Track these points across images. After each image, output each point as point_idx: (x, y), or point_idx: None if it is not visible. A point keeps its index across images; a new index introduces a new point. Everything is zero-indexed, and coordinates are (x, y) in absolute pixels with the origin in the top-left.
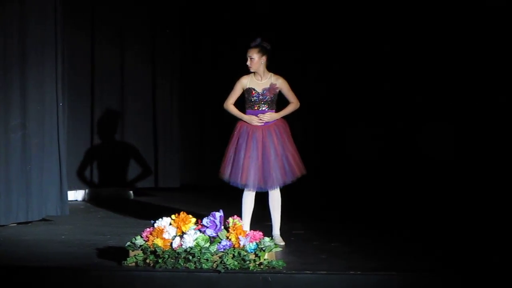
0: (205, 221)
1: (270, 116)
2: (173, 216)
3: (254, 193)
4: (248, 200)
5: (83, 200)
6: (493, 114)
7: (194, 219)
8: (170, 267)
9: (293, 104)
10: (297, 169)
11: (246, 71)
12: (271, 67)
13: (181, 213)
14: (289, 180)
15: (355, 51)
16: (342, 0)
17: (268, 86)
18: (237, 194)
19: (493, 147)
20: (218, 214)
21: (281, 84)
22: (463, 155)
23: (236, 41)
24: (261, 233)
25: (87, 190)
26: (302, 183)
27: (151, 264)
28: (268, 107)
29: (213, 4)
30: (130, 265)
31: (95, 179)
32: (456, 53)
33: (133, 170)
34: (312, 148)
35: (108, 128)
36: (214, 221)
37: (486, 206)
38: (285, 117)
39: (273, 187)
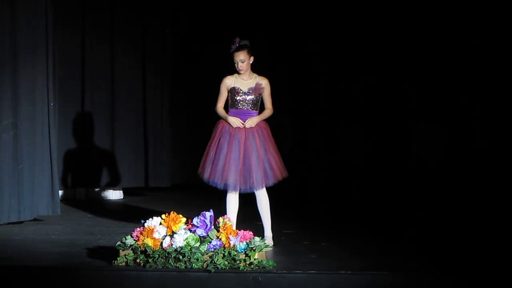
0: (195, 220)
1: (251, 122)
2: (163, 216)
3: (237, 194)
4: (232, 201)
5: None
6: (485, 114)
7: (184, 219)
8: (160, 267)
9: (269, 110)
10: (278, 172)
11: (235, 71)
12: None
13: (172, 212)
14: (270, 182)
15: (348, 51)
16: (335, 0)
17: (253, 85)
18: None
19: (485, 148)
20: (209, 214)
21: (266, 86)
22: (454, 156)
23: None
24: (251, 232)
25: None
26: (294, 183)
27: (141, 264)
28: (252, 107)
29: (203, 4)
30: (120, 264)
31: (85, 178)
32: (447, 53)
33: (124, 170)
34: (303, 148)
35: (99, 127)
36: (204, 221)
37: (478, 206)
38: (266, 120)
39: (253, 189)
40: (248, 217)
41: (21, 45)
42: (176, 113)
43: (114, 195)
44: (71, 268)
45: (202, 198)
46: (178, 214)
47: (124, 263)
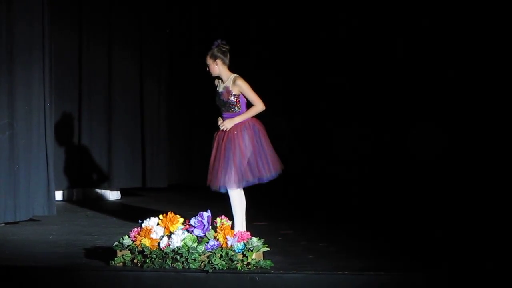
0: (192, 221)
1: (225, 124)
2: (160, 216)
3: (240, 190)
4: (236, 197)
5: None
6: (482, 114)
7: (181, 219)
8: (158, 267)
9: (254, 107)
10: (250, 174)
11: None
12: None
13: (169, 213)
14: (232, 185)
15: (347, 51)
16: (333, 1)
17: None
18: (225, 194)
19: (482, 147)
20: (206, 214)
21: (239, 85)
22: (451, 155)
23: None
24: (248, 233)
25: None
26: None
27: (139, 264)
28: (228, 109)
29: (201, 4)
30: (117, 265)
31: (82, 178)
32: (445, 54)
33: (119, 170)
34: (300, 148)
35: (96, 128)
36: (201, 221)
37: (474, 205)
38: (259, 119)
39: (218, 189)
40: (246, 217)
41: (17, 45)
42: (173, 114)
43: (112, 195)
44: (68, 268)
45: (200, 198)
46: (175, 214)
47: (121, 264)
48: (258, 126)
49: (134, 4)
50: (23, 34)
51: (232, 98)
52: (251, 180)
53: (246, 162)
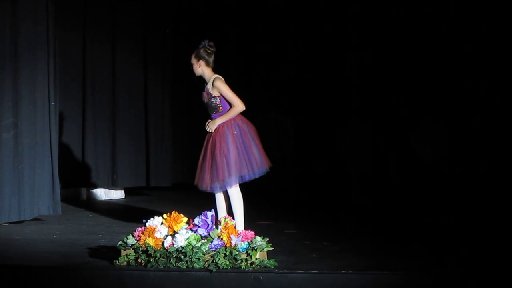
0: (196, 220)
1: (209, 126)
2: (164, 216)
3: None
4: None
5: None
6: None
7: (185, 219)
8: (162, 267)
9: (234, 108)
10: (236, 171)
11: (231, 71)
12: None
13: (173, 212)
14: (214, 185)
15: (350, 50)
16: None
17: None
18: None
19: (485, 147)
20: (210, 214)
21: (217, 86)
22: (455, 155)
23: (227, 41)
24: (252, 232)
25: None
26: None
27: (143, 264)
28: (211, 110)
29: (205, 4)
30: (121, 264)
31: (86, 178)
32: (448, 53)
33: (123, 169)
34: (304, 146)
35: (100, 127)
36: (205, 221)
37: (478, 205)
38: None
39: (204, 189)
40: (250, 217)
41: (22, 44)
42: (177, 113)
43: (116, 194)
44: (72, 267)
45: (203, 198)
46: (179, 213)
47: (125, 263)
48: (241, 125)
49: (138, 4)
50: (27, 34)
51: (213, 99)
52: (238, 177)
53: (231, 161)
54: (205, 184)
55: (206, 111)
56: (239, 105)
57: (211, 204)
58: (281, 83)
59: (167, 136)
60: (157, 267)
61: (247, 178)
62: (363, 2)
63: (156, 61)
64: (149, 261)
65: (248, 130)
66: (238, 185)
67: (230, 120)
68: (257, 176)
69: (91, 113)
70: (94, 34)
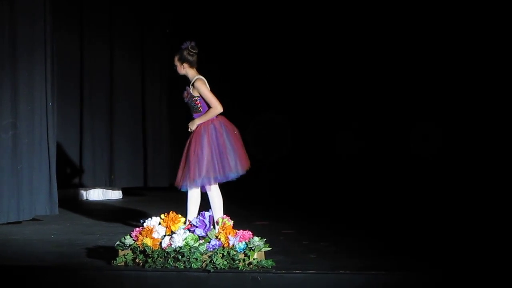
0: (194, 220)
1: (189, 127)
2: (162, 216)
3: (198, 189)
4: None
5: None
6: (481, 114)
7: (183, 219)
8: (160, 267)
9: (212, 109)
10: (212, 172)
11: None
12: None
13: (171, 212)
14: (185, 183)
15: (347, 51)
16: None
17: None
18: (226, 193)
19: (480, 147)
20: (208, 214)
21: (197, 87)
22: (450, 155)
23: (225, 42)
24: (250, 232)
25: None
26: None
27: (141, 264)
28: (193, 111)
29: (202, 5)
30: (119, 264)
31: (84, 178)
32: (445, 54)
33: (120, 169)
34: (302, 147)
35: (97, 127)
36: (203, 221)
37: (474, 205)
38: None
39: (180, 188)
40: (247, 217)
41: (20, 45)
42: (174, 113)
43: (113, 195)
44: (70, 268)
45: (201, 198)
46: (177, 214)
47: (123, 263)
48: (218, 127)
49: (134, 4)
50: (25, 35)
51: (192, 100)
52: (214, 178)
53: (203, 162)
54: (176, 181)
55: (189, 110)
56: (216, 107)
57: (208, 204)
58: (281, 83)
59: (165, 136)
60: (155, 267)
61: (219, 180)
62: (363, 2)
63: (153, 61)
64: (146, 262)
65: (225, 132)
66: (217, 185)
67: (208, 121)
68: (231, 179)
69: (89, 113)
70: (91, 34)
